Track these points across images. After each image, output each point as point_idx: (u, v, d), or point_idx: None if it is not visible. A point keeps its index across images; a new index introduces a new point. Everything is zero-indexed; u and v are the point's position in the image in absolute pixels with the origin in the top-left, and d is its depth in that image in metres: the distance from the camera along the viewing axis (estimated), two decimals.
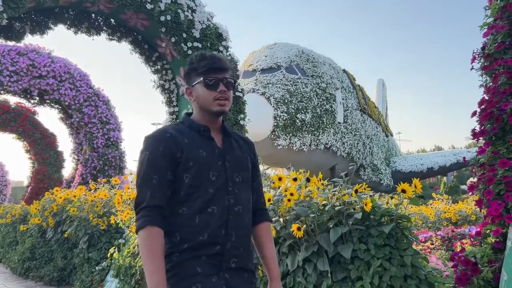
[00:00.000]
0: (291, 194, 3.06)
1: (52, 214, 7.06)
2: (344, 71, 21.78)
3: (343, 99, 19.66)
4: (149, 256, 1.48)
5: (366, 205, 2.79)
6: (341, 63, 21.90)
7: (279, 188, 3.41)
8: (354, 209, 2.96)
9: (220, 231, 1.60)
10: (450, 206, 10.09)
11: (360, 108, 21.52)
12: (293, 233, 2.89)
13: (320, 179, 3.30)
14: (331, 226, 2.91)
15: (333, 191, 3.16)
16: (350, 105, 20.21)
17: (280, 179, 3.32)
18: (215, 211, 1.60)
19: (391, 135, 30.18)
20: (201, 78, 1.67)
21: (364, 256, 2.78)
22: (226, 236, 1.61)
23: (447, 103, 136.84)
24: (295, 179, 3.30)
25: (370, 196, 3.06)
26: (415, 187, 2.71)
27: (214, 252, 1.59)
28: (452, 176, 41.66)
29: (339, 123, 18.92)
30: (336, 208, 2.94)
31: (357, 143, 20.56)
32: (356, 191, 2.92)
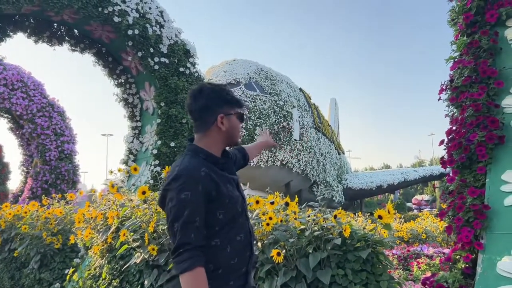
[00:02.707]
0: (270, 218, 3.06)
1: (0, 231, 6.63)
2: (300, 89, 22.24)
3: (299, 117, 20.03)
4: None
5: (345, 230, 2.84)
6: (295, 81, 22.35)
7: (255, 211, 3.40)
8: (332, 234, 3.00)
9: (246, 254, 1.77)
10: (402, 225, 10.50)
11: (315, 126, 21.99)
12: (273, 259, 2.89)
13: (297, 203, 3.33)
14: (310, 251, 2.93)
15: (309, 216, 3.19)
16: (306, 123, 20.60)
17: (257, 202, 3.31)
18: (242, 238, 1.74)
19: (343, 152, 30.96)
20: (237, 110, 1.78)
21: (342, 282, 2.81)
22: (251, 257, 1.80)
23: (394, 122, 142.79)
24: (272, 203, 3.31)
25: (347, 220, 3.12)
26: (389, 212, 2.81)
27: (241, 273, 1.74)
28: (398, 194, 43.20)
29: (295, 140, 19.22)
30: (315, 233, 2.97)
31: (312, 160, 20.92)
32: (335, 217, 2.97)
